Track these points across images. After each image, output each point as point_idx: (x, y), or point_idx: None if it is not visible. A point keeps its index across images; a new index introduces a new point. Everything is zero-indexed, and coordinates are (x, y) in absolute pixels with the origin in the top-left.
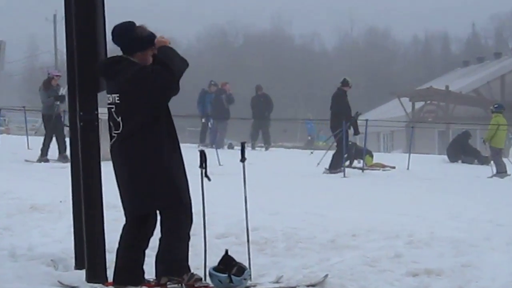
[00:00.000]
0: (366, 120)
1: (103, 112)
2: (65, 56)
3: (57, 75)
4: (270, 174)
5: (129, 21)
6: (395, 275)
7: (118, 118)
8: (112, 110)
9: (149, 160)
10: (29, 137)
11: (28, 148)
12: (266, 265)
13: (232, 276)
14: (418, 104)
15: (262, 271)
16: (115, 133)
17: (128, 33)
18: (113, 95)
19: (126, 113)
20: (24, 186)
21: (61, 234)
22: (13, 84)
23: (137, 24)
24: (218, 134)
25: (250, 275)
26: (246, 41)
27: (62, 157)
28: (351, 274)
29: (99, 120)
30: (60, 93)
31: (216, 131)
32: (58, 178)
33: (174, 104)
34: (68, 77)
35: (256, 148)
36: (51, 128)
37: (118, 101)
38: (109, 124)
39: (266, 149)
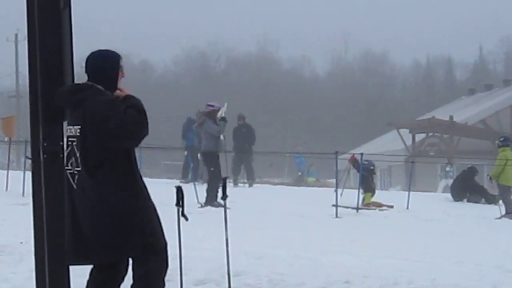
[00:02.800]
0: (361, 154)
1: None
2: (27, 80)
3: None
4: (255, 213)
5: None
6: None
7: (77, 153)
8: (73, 143)
9: (115, 201)
10: None
11: None
12: None
13: None
14: (419, 136)
15: None
16: (76, 170)
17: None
18: (75, 127)
19: (87, 148)
20: None
21: (21, 279)
22: None
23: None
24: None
25: None
26: (229, 65)
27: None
28: None
29: (65, 152)
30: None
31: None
32: (19, 216)
33: (149, 136)
34: (30, 104)
35: (239, 185)
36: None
37: (79, 134)
38: (69, 159)
39: (250, 185)
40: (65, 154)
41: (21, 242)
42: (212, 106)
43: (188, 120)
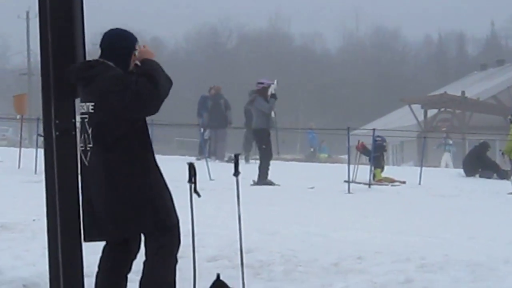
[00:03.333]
0: (373, 129)
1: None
2: (39, 58)
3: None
4: (267, 190)
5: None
6: None
7: (89, 129)
8: (86, 120)
9: (128, 178)
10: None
11: None
12: None
13: None
14: (431, 112)
15: None
16: (88, 147)
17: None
18: (87, 104)
19: (100, 125)
20: None
21: (34, 257)
22: None
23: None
24: (218, 145)
25: None
26: (240, 41)
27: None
28: None
29: (77, 129)
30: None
31: (215, 141)
32: (31, 194)
33: (161, 112)
34: (42, 81)
35: (251, 161)
36: None
37: (92, 111)
38: (81, 136)
39: None
40: (79, 130)
41: (34, 220)
42: (262, 83)
43: (202, 98)
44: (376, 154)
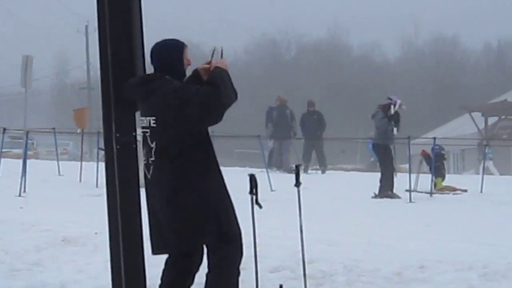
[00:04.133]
0: (434, 138)
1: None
2: (98, 72)
3: (401, 104)
4: (328, 200)
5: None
6: None
7: (152, 144)
8: (147, 135)
9: (191, 191)
10: (60, 162)
11: (59, 174)
12: None
13: None
14: (492, 120)
15: None
16: (151, 161)
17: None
18: (148, 118)
19: (163, 139)
20: (56, 217)
21: (96, 270)
22: (41, 103)
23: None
24: (283, 156)
25: None
26: (299, 52)
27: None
28: None
29: (138, 142)
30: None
31: (280, 152)
32: (93, 207)
33: (221, 123)
34: (102, 95)
35: (310, 172)
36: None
37: (154, 125)
38: (144, 150)
39: (323, 172)
40: (142, 144)
41: (96, 233)
42: (390, 99)
43: (269, 108)
44: (436, 163)
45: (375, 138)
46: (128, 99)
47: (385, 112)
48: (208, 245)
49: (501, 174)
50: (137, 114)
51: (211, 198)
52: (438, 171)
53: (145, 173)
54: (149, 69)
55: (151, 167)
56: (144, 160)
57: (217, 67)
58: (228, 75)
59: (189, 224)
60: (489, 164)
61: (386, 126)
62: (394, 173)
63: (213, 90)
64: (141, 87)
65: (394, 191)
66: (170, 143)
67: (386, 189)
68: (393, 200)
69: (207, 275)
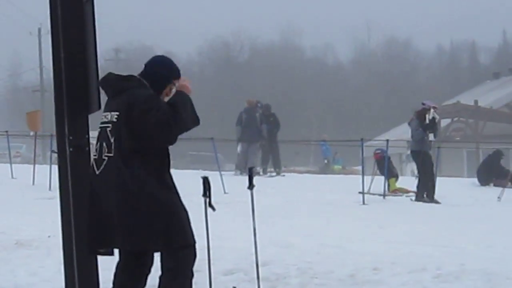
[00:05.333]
0: (387, 140)
1: (95, 136)
2: (51, 74)
3: (434, 107)
4: (281, 202)
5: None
6: None
7: (112, 138)
8: (108, 129)
9: (143, 193)
10: (13, 165)
11: (12, 177)
12: None
13: None
14: (444, 122)
15: None
16: (106, 156)
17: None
18: (112, 113)
19: (123, 135)
20: (8, 220)
21: (50, 273)
22: None
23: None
24: (249, 159)
25: None
26: (252, 54)
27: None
28: None
29: (91, 145)
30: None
31: (246, 155)
32: (46, 210)
33: None
34: (55, 97)
35: (268, 174)
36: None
37: (116, 120)
38: (99, 144)
39: (278, 173)
40: (96, 139)
41: (49, 236)
42: (424, 104)
43: (240, 112)
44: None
45: (412, 146)
46: (81, 102)
47: (420, 119)
48: (161, 250)
49: (454, 176)
50: (90, 116)
51: (168, 200)
52: (389, 172)
53: (92, 168)
54: (102, 71)
55: (104, 162)
56: (95, 155)
57: (180, 92)
58: (190, 101)
59: (138, 227)
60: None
61: (422, 136)
62: (434, 179)
63: (173, 112)
64: (117, 82)
65: (350, 193)
66: (128, 141)
67: (421, 195)
68: (346, 202)
69: (160, 278)
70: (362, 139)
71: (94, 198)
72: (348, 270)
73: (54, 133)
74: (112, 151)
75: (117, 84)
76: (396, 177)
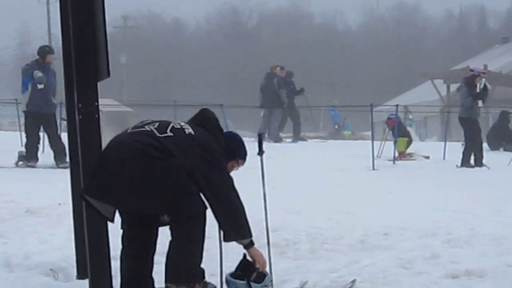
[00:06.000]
0: (396, 105)
1: (104, 104)
2: (60, 42)
3: (483, 73)
4: (292, 169)
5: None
6: (433, 278)
7: (162, 134)
8: (178, 127)
9: (160, 161)
10: (22, 133)
11: (22, 145)
12: (288, 269)
13: (252, 283)
14: (454, 86)
15: (285, 276)
16: (150, 128)
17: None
18: (189, 128)
19: (180, 146)
20: (19, 188)
21: (60, 241)
22: (3, 74)
23: None
24: (272, 124)
25: (272, 281)
26: (261, 20)
27: None
28: (383, 277)
29: (100, 113)
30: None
31: (269, 121)
32: (56, 178)
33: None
34: (64, 65)
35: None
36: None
37: (188, 133)
38: (151, 124)
39: (294, 141)
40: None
41: (59, 204)
42: (472, 70)
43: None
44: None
45: (461, 113)
46: (90, 69)
47: (469, 86)
48: (171, 219)
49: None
50: (100, 84)
51: (176, 171)
52: (401, 132)
53: (125, 130)
54: (111, 38)
55: (137, 133)
56: (141, 126)
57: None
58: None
59: (153, 191)
60: (411, 130)
61: (471, 104)
62: (482, 145)
63: (230, 209)
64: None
65: (360, 158)
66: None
67: (466, 161)
68: (356, 168)
69: (170, 243)
70: (371, 104)
71: (111, 148)
72: (358, 235)
73: (64, 101)
74: (154, 131)
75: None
76: (410, 140)
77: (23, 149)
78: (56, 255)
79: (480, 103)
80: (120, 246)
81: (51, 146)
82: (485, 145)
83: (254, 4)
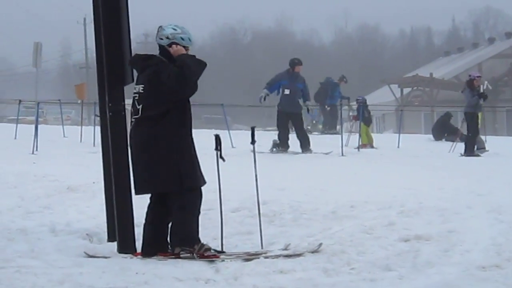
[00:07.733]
0: (359, 102)
1: (129, 103)
2: (94, 54)
3: (478, 76)
4: (277, 155)
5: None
6: (389, 241)
7: (139, 105)
8: (135, 98)
9: (162, 147)
10: (64, 126)
11: (64, 136)
12: (275, 234)
13: None
14: (406, 90)
15: (272, 240)
16: (134, 118)
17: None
18: (139, 86)
19: (146, 101)
20: (62, 170)
21: (94, 211)
22: (49, 80)
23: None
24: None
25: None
26: (254, 37)
27: None
28: (350, 240)
29: (126, 110)
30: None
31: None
32: (91, 162)
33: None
34: (97, 73)
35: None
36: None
37: (142, 91)
38: (131, 110)
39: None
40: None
41: (94, 182)
42: (470, 75)
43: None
44: (364, 115)
45: (467, 108)
46: (118, 75)
47: (471, 87)
48: (172, 192)
49: (414, 133)
50: (126, 88)
51: (178, 151)
52: (364, 118)
53: (130, 130)
54: (134, 51)
55: (134, 123)
56: (131, 119)
57: (178, 56)
58: (188, 56)
59: (156, 174)
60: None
61: (477, 101)
62: (479, 135)
63: (179, 73)
64: (141, 61)
65: (332, 147)
66: (150, 105)
67: (470, 151)
68: (328, 155)
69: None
70: (341, 104)
71: (132, 152)
72: (330, 207)
73: (97, 101)
74: (138, 114)
75: (142, 63)
76: (370, 121)
77: (276, 139)
78: (91, 223)
79: (481, 100)
80: (142, 216)
81: (297, 137)
82: (430, 136)
83: (249, 25)
